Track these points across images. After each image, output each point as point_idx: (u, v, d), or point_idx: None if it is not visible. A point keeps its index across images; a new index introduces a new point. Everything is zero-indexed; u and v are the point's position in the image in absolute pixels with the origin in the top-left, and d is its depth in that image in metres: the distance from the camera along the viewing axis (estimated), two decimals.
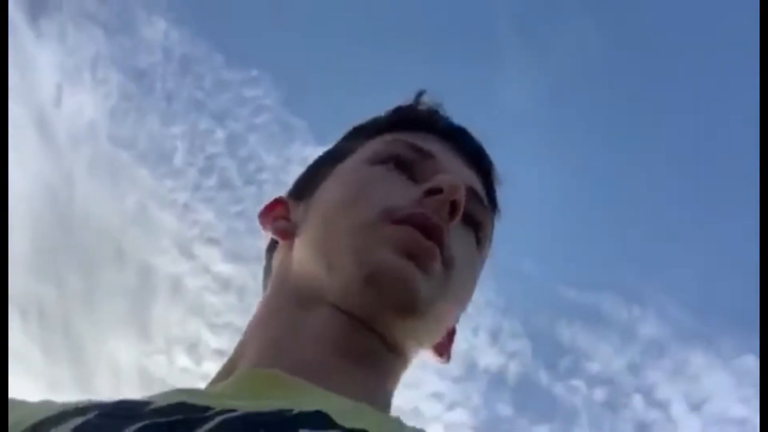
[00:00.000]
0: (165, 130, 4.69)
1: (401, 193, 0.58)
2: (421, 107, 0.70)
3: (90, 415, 0.42)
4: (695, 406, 4.74)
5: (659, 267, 4.98)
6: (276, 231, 0.64)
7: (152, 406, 0.45)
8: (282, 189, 0.70)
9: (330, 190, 0.62)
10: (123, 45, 4.66)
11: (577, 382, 4.69)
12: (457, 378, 4.59)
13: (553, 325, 4.84)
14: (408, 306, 0.54)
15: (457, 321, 0.66)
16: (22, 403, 0.49)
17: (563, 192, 5.04)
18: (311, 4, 4.89)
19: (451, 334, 0.66)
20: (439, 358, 0.65)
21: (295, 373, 0.51)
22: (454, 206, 0.57)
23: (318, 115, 4.62)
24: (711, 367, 4.78)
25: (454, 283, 0.58)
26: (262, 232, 0.66)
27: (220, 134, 4.71)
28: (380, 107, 0.72)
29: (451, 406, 4.52)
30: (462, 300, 0.63)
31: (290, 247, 0.62)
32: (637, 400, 4.72)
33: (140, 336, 4.63)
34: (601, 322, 4.90)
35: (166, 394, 0.48)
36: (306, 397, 0.47)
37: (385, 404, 0.57)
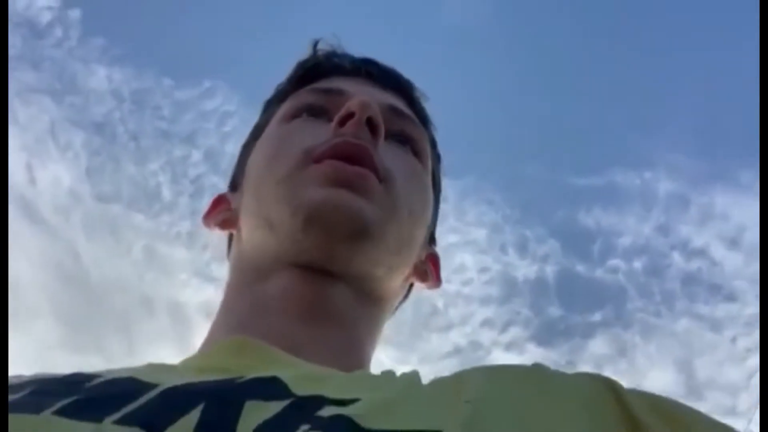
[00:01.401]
0: (143, 169, 4.69)
1: (317, 134, 0.56)
2: (319, 53, 0.67)
3: (24, 392, 0.40)
4: (733, 243, 4.78)
5: (655, 126, 4.98)
6: (220, 224, 0.63)
7: (96, 380, 0.42)
8: None
9: (253, 160, 0.61)
10: (74, 104, 4.63)
11: (615, 261, 4.74)
12: (501, 299, 4.64)
13: (574, 217, 4.86)
14: (357, 229, 0.52)
15: (427, 239, 0.63)
16: None
17: (537, 86, 5.02)
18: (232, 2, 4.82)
19: (434, 261, 0.64)
20: (427, 283, 0.63)
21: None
22: (372, 124, 0.55)
23: None
24: (736, 202, 4.81)
25: (400, 195, 0.55)
26: (212, 233, 0.64)
27: (196, 155, 4.71)
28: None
29: (504, 328, 4.59)
30: (417, 212, 0.59)
31: (239, 233, 0.60)
32: (677, 258, 4.77)
33: None
34: (619, 197, 4.92)
35: (127, 369, 0.45)
36: (267, 364, 0.45)
37: (361, 361, 0.54)
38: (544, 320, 4.71)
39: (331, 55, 0.67)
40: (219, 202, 0.65)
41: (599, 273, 4.75)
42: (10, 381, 0.43)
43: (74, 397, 0.38)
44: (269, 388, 0.39)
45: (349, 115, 0.55)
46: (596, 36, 4.90)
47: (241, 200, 0.61)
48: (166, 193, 4.67)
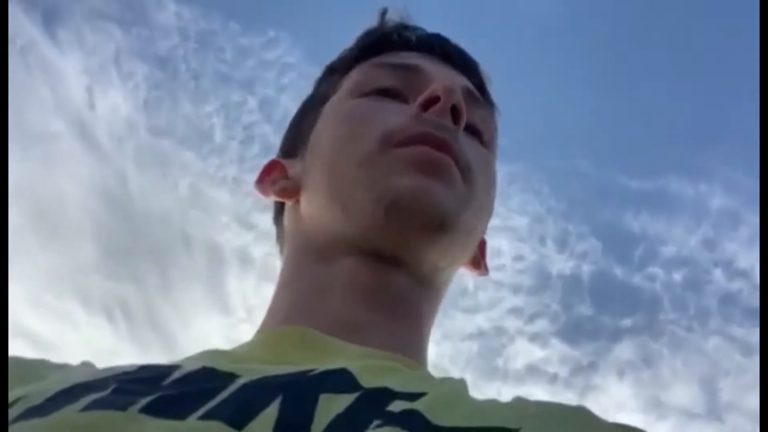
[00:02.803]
0: (199, 109, 4.73)
1: (397, 115, 0.54)
2: (389, 25, 0.65)
3: (106, 391, 0.39)
4: None
5: (716, 137, 4.85)
6: (279, 192, 0.60)
7: (175, 375, 0.42)
8: None
9: (323, 133, 0.58)
10: (140, 35, 4.67)
11: (654, 269, 4.65)
12: (532, 290, 4.61)
13: (619, 219, 4.78)
14: (436, 222, 0.50)
15: (485, 230, 0.63)
16: (55, 368, 0.45)
17: (601, 83, 4.92)
18: None
19: (482, 247, 0.63)
20: (477, 271, 0.62)
21: (325, 330, 0.49)
22: (455, 111, 0.54)
23: None
24: None
25: (476, 189, 0.54)
26: (264, 199, 0.63)
27: (252, 102, 4.72)
28: None
29: (531, 319, 4.55)
30: (486, 206, 0.59)
31: (297, 205, 0.59)
32: (718, 275, 4.67)
33: (222, 311, 4.77)
34: (669, 205, 4.82)
35: (195, 358, 0.46)
36: (333, 355, 0.45)
37: (420, 348, 0.54)
38: (573, 317, 4.67)
39: (402, 27, 0.64)
40: (272, 167, 0.63)
41: (637, 279, 4.68)
42: (91, 375, 0.43)
43: (158, 394, 0.38)
44: (339, 380, 0.40)
45: (434, 99, 0.54)
46: (668, 40, 4.78)
47: (301, 170, 0.59)
48: (218, 135, 4.72)
